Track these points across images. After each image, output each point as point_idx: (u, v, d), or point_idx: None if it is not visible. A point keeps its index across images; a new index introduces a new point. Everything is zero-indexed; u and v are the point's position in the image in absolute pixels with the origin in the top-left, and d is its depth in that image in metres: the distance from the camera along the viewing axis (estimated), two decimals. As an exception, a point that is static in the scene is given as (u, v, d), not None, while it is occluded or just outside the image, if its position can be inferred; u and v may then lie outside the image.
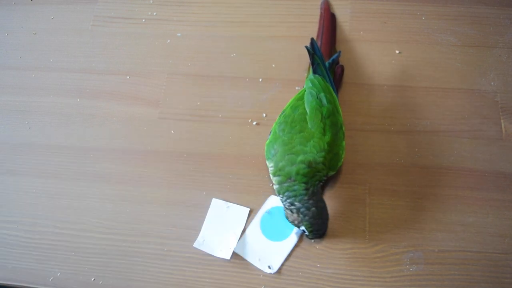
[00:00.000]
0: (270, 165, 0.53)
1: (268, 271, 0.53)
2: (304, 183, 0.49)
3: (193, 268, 0.54)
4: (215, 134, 0.62)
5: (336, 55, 0.61)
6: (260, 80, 0.65)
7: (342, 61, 0.65)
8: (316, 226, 0.50)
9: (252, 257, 0.54)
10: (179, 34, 0.70)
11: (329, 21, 0.66)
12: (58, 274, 0.56)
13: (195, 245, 0.55)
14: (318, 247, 0.54)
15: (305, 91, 0.56)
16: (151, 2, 0.73)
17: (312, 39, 0.59)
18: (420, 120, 0.61)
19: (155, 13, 0.72)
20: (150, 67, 0.68)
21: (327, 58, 0.62)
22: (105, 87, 0.67)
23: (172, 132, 0.63)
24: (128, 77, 0.67)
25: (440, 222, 0.55)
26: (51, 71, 0.69)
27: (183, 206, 0.58)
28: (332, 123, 0.53)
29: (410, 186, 0.57)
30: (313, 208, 0.49)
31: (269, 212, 0.56)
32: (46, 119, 0.66)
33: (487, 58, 0.64)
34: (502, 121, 0.60)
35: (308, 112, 0.53)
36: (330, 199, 0.57)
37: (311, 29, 0.68)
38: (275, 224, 0.56)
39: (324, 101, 0.54)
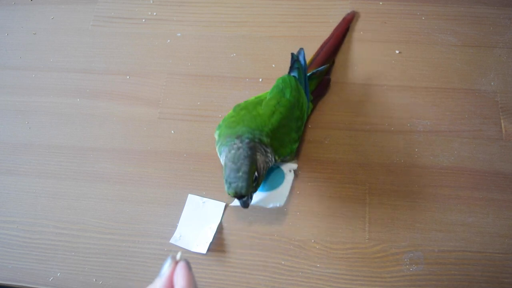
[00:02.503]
0: (216, 136, 0.52)
1: (278, 205, 0.53)
2: (241, 132, 0.47)
3: (194, 268, 0.54)
4: (215, 134, 0.62)
5: (322, 67, 0.62)
6: (260, 80, 0.65)
7: (342, 61, 0.65)
8: (228, 171, 0.46)
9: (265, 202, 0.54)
10: (179, 34, 0.70)
11: (342, 33, 0.66)
12: (58, 274, 0.56)
13: (172, 241, 0.55)
14: (318, 247, 0.54)
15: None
16: (151, 2, 0.73)
17: (301, 48, 0.59)
18: (420, 120, 0.61)
19: (155, 13, 0.72)
20: (150, 67, 0.68)
21: (323, 64, 0.63)
22: (105, 87, 0.67)
23: (172, 132, 0.63)
24: (128, 77, 0.67)
25: (440, 222, 0.55)
26: (51, 71, 0.69)
27: (183, 206, 0.58)
28: (286, 112, 0.51)
29: (410, 186, 0.57)
30: (233, 151, 0.46)
31: None
32: (46, 119, 0.66)
33: (487, 58, 0.64)
34: (502, 121, 0.60)
35: (267, 98, 0.53)
36: (330, 199, 0.57)
37: (311, 29, 0.68)
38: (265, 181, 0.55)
39: (287, 95, 0.53)
